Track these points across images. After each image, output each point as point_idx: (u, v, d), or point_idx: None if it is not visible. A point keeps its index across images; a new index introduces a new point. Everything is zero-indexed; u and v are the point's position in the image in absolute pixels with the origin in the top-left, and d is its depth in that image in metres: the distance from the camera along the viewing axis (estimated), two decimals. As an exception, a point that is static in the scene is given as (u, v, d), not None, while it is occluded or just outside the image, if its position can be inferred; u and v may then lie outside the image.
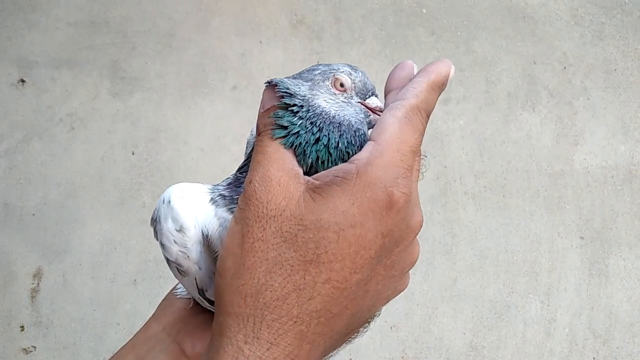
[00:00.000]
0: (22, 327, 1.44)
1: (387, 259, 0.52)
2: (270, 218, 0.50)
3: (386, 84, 0.58)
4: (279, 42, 1.58)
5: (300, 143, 0.52)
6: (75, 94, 1.51)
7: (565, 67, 1.57)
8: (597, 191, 1.52)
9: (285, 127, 0.52)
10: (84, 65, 1.52)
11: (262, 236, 0.50)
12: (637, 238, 1.50)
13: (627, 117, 1.55)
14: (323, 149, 0.53)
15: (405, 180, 0.50)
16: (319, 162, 0.53)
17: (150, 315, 0.67)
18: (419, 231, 0.54)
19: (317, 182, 0.51)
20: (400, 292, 0.57)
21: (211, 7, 1.59)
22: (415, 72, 0.57)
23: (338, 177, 0.50)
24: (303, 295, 0.50)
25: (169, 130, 1.51)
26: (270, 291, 0.49)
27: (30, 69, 1.51)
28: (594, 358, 1.46)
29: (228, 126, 1.53)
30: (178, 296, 0.64)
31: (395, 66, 0.59)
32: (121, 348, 0.65)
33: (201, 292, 0.56)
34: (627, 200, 1.51)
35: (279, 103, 0.53)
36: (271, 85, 0.54)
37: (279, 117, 0.52)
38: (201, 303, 0.58)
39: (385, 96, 0.58)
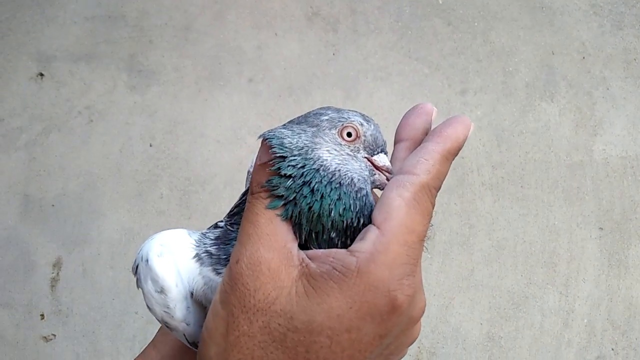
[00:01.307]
0: (42, 315, 1.61)
1: (385, 351, 0.53)
2: (257, 310, 0.49)
3: (398, 130, 0.58)
4: (294, 35, 1.73)
5: (297, 213, 0.52)
6: (93, 87, 1.69)
7: (584, 57, 1.73)
8: (617, 181, 1.67)
9: (281, 197, 0.52)
10: (102, 59, 1.70)
11: (249, 331, 0.49)
12: None
13: (647, 106, 1.71)
14: (316, 220, 0.52)
15: (410, 280, 0.49)
16: (313, 234, 0.52)
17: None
18: (422, 315, 0.55)
19: (312, 268, 0.50)
20: None
21: (227, 1, 1.75)
22: (434, 117, 0.57)
23: (336, 270, 0.49)
24: None
25: (185, 122, 1.68)
26: None
27: (49, 63, 1.69)
28: (612, 349, 1.62)
29: (244, 118, 1.68)
30: None
31: (412, 109, 0.58)
32: None
33: (193, 344, 0.57)
34: (647, 191, 1.69)
35: (272, 168, 0.52)
36: (265, 139, 0.54)
37: (273, 187, 0.52)
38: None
39: (395, 144, 0.58)
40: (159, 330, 0.71)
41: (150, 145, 1.68)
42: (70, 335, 1.62)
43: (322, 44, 1.74)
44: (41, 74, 1.70)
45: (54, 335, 1.62)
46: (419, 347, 1.62)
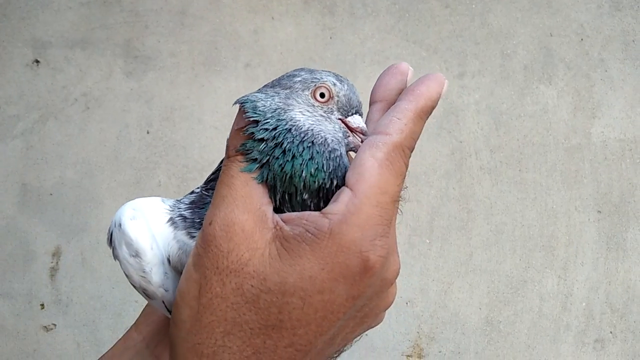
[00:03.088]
0: (42, 305, 1.60)
1: (359, 313, 0.53)
2: (230, 272, 0.49)
3: (373, 91, 0.57)
4: (291, 18, 1.70)
5: (271, 176, 0.52)
6: (90, 73, 1.66)
7: (582, 39, 1.71)
8: (615, 164, 1.65)
9: (255, 160, 0.52)
10: (97, 44, 1.67)
11: (221, 292, 0.49)
12: None
13: (646, 89, 1.68)
14: (289, 181, 0.51)
15: (383, 241, 0.49)
16: (287, 196, 0.52)
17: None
18: (396, 277, 0.55)
19: (286, 230, 0.50)
20: (374, 327, 0.58)
21: None
22: (410, 77, 0.57)
23: (309, 232, 0.49)
24: (263, 359, 0.50)
25: (182, 108, 1.65)
26: (228, 354, 0.49)
27: (45, 49, 1.66)
28: (611, 332, 1.62)
29: (241, 104, 1.68)
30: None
31: (387, 69, 0.58)
32: (100, 357, 0.70)
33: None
34: (646, 173, 1.67)
35: (246, 132, 0.52)
36: (240, 105, 0.54)
37: (247, 151, 0.52)
38: None
39: (370, 105, 0.58)
40: (141, 313, 0.72)
41: (148, 132, 1.66)
42: (70, 324, 1.61)
43: (319, 27, 1.72)
44: (37, 61, 1.67)
45: (55, 325, 1.61)
46: (417, 332, 1.62)
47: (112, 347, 0.70)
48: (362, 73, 1.68)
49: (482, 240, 1.64)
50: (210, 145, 1.66)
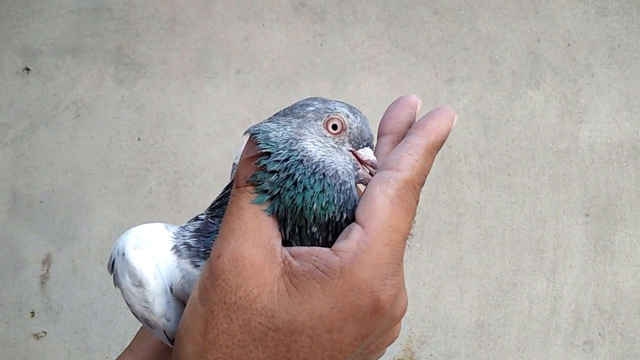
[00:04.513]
0: (33, 312, 1.60)
1: (365, 350, 0.52)
2: (238, 308, 0.48)
3: (382, 123, 0.57)
4: (281, 25, 1.71)
5: (282, 208, 0.51)
6: (80, 81, 1.66)
7: (569, 44, 1.73)
8: (602, 168, 1.67)
9: (266, 191, 0.51)
10: (88, 52, 1.67)
11: (228, 328, 0.48)
12: None
13: (632, 93, 1.70)
14: (299, 214, 0.51)
15: (393, 280, 0.49)
16: (297, 229, 0.51)
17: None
18: (404, 314, 0.54)
19: (295, 266, 0.49)
20: None
21: None
22: (419, 110, 0.56)
23: (319, 269, 0.48)
24: None
25: (173, 115, 1.66)
26: None
27: (35, 57, 1.66)
28: (599, 334, 1.63)
29: (232, 110, 1.67)
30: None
31: (396, 101, 0.57)
32: None
33: (173, 342, 0.54)
34: (632, 177, 1.66)
35: (257, 162, 0.51)
36: (251, 135, 0.53)
37: (258, 182, 0.51)
38: None
39: (378, 137, 0.57)
40: (136, 335, 0.69)
41: (139, 139, 1.66)
42: (61, 332, 1.61)
43: (310, 34, 1.73)
44: (27, 69, 1.68)
45: (45, 333, 1.61)
46: (409, 336, 1.63)
47: None
48: (352, 79, 1.70)
49: (472, 244, 1.65)
50: (201, 152, 1.66)
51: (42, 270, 1.62)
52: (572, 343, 1.62)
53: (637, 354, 1.63)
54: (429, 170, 0.52)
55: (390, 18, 1.74)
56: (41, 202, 1.64)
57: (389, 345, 0.55)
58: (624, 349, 1.63)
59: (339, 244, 0.49)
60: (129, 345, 0.68)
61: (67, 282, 1.62)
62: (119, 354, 0.68)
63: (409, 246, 0.52)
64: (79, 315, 1.62)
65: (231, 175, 0.66)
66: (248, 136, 0.53)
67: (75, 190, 1.64)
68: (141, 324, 0.65)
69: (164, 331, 0.56)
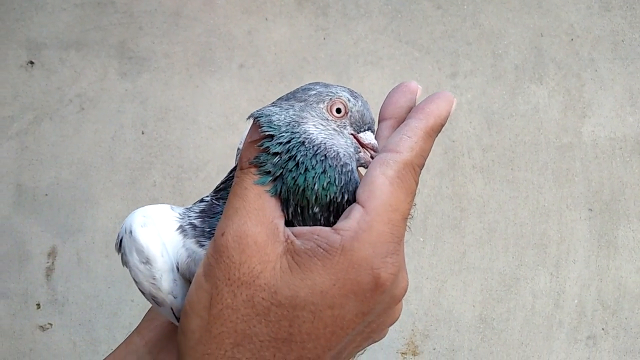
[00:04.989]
0: (38, 304, 1.62)
1: (367, 328, 0.53)
2: (242, 284, 0.49)
3: (382, 108, 0.58)
4: (284, 19, 1.72)
5: (285, 189, 0.52)
6: (84, 74, 1.67)
7: (572, 39, 1.74)
8: (606, 163, 1.68)
9: (269, 172, 0.52)
10: (92, 46, 1.68)
11: (232, 303, 0.50)
12: None
13: (635, 88, 1.70)
14: (301, 194, 0.52)
15: (394, 258, 0.50)
16: (299, 209, 0.53)
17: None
18: (405, 294, 0.55)
19: (297, 244, 0.50)
20: (378, 342, 0.58)
21: None
22: (419, 95, 0.58)
23: (321, 247, 0.49)
24: None
25: (177, 109, 1.67)
26: None
27: (39, 50, 1.67)
28: (602, 329, 1.65)
29: (236, 104, 1.68)
30: None
31: (396, 87, 0.58)
32: None
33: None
34: (636, 172, 1.67)
35: (261, 144, 0.53)
36: (254, 119, 0.55)
37: (261, 164, 0.53)
38: None
39: (379, 122, 0.59)
40: (143, 318, 0.71)
41: (143, 133, 1.68)
42: (66, 324, 1.62)
43: (313, 28, 1.74)
44: (31, 62, 1.69)
45: (51, 325, 1.63)
46: (412, 330, 1.64)
47: (113, 351, 0.69)
48: (355, 73, 1.71)
49: (475, 239, 1.66)
50: (204, 146, 1.67)
51: (48, 262, 1.64)
52: (575, 338, 1.64)
53: (640, 348, 1.65)
54: (428, 153, 0.54)
55: (393, 12, 1.74)
56: (46, 195, 1.65)
57: (390, 325, 0.56)
58: (627, 343, 1.64)
59: (340, 223, 0.50)
60: (137, 327, 0.70)
61: (73, 274, 1.64)
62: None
63: (409, 228, 0.53)
64: (84, 308, 1.63)
65: (235, 160, 0.68)
66: (252, 120, 0.55)
67: (79, 184, 1.65)
68: (149, 307, 0.69)
69: (171, 309, 0.57)
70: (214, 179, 1.65)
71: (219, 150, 1.67)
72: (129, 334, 0.70)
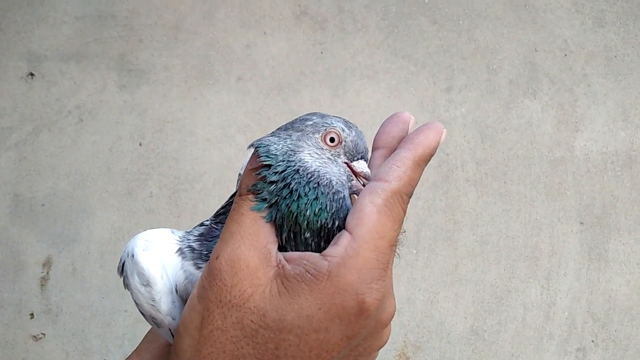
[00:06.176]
0: (32, 314, 1.65)
1: (353, 352, 0.55)
2: (232, 306, 0.52)
3: (376, 138, 0.61)
4: (282, 33, 1.77)
5: (279, 215, 0.55)
6: (84, 86, 1.72)
7: (566, 55, 1.77)
8: (597, 177, 1.72)
9: (265, 200, 0.55)
10: (92, 58, 1.73)
11: (222, 325, 0.52)
12: (637, 223, 1.71)
13: (628, 103, 1.75)
14: (294, 220, 0.55)
15: (379, 284, 0.52)
16: (292, 234, 0.55)
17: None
18: (392, 319, 0.57)
19: (287, 269, 0.52)
20: None
21: (216, 0, 1.79)
22: (411, 126, 0.60)
23: (309, 273, 0.51)
24: None
25: (175, 121, 1.71)
26: None
27: (39, 62, 1.72)
28: (592, 341, 1.68)
29: (233, 117, 1.72)
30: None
31: (390, 117, 0.60)
32: None
33: None
34: (627, 186, 1.71)
35: (258, 173, 0.56)
36: (255, 148, 0.57)
37: (258, 191, 0.56)
38: None
39: (372, 151, 0.61)
40: (143, 339, 0.73)
41: (140, 145, 1.72)
42: (60, 334, 1.66)
43: (310, 42, 1.78)
44: (31, 74, 1.73)
45: (44, 334, 1.66)
46: (404, 341, 1.68)
47: None
48: (352, 87, 1.75)
49: (468, 251, 1.71)
50: (202, 157, 1.72)
51: (42, 272, 1.68)
52: (565, 350, 1.68)
53: (630, 361, 1.69)
54: (417, 182, 0.56)
55: (389, 27, 1.79)
56: (43, 205, 1.69)
57: (378, 349, 0.58)
58: (616, 356, 1.68)
59: (329, 250, 0.53)
60: (136, 348, 0.73)
61: (67, 284, 1.67)
62: (122, 352, 0.74)
63: (398, 255, 0.56)
64: (77, 318, 1.67)
65: (236, 186, 0.68)
66: (252, 149, 0.58)
67: (76, 194, 1.70)
68: (148, 328, 0.71)
69: (170, 330, 0.60)
70: (210, 191, 1.69)
71: (216, 162, 1.71)
72: (127, 346, 0.74)
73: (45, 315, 1.67)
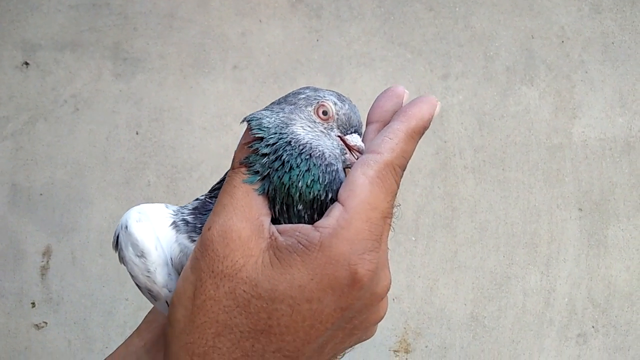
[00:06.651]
0: (33, 303, 1.66)
1: (348, 325, 0.55)
2: (225, 276, 0.52)
3: (370, 112, 0.61)
4: (278, 21, 1.76)
5: (271, 188, 0.55)
6: (79, 75, 1.72)
7: (563, 41, 1.78)
8: (596, 163, 1.73)
9: (257, 172, 0.56)
10: (87, 47, 1.73)
11: (215, 295, 0.52)
12: (635, 209, 1.72)
13: (625, 89, 1.76)
14: (286, 192, 0.55)
15: (372, 255, 0.52)
16: (285, 207, 0.56)
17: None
18: (387, 292, 0.57)
19: (279, 240, 0.53)
20: (366, 340, 0.61)
21: None
22: (405, 99, 0.60)
23: (301, 244, 0.52)
24: None
25: (171, 109, 1.72)
26: (218, 354, 0.53)
27: (34, 51, 1.72)
28: (592, 327, 1.70)
29: (229, 105, 1.72)
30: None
31: (384, 91, 0.61)
32: None
33: None
34: (625, 172, 1.73)
35: (251, 146, 0.57)
36: (247, 122, 0.58)
37: (250, 164, 0.56)
38: None
39: (367, 125, 0.61)
40: (143, 320, 0.74)
41: (137, 133, 1.72)
42: (61, 322, 1.67)
43: (306, 30, 1.78)
44: (26, 63, 1.73)
45: (45, 323, 1.67)
46: (404, 328, 1.69)
47: (113, 352, 0.72)
48: (348, 75, 1.76)
49: (467, 238, 1.72)
50: (198, 146, 1.72)
51: (42, 261, 1.68)
52: (565, 335, 1.69)
53: (630, 346, 1.70)
54: (410, 154, 0.56)
55: (385, 14, 1.79)
56: (41, 194, 1.70)
57: (375, 323, 0.59)
58: (617, 341, 1.69)
59: (321, 221, 0.53)
60: (137, 328, 0.73)
61: (67, 273, 1.68)
62: (123, 340, 0.73)
63: (393, 228, 0.56)
64: (79, 306, 1.67)
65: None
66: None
67: (74, 183, 1.70)
68: (142, 305, 0.71)
69: (166, 302, 0.60)
70: (207, 179, 1.70)
71: (213, 150, 1.71)
72: (128, 333, 0.73)
73: (46, 304, 1.68)
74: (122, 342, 0.73)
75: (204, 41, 1.76)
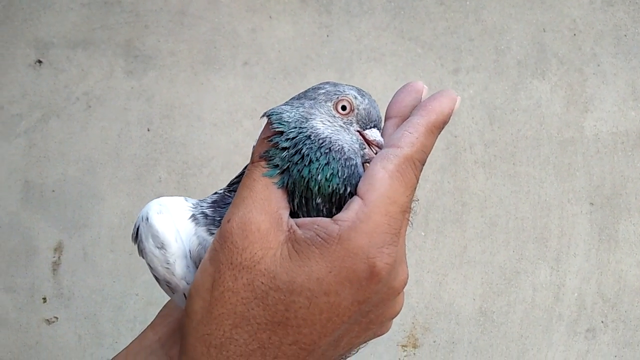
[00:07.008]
0: (45, 298, 1.69)
1: (364, 319, 0.56)
2: (243, 268, 0.53)
3: (388, 107, 0.61)
4: (288, 17, 1.77)
5: (291, 181, 0.56)
6: (91, 73, 1.74)
7: (575, 34, 1.77)
8: (607, 157, 1.72)
9: (277, 166, 0.56)
10: (99, 44, 1.75)
11: (233, 287, 0.53)
12: None
13: (638, 82, 1.74)
14: (305, 185, 0.56)
15: (390, 249, 0.52)
16: (304, 200, 0.56)
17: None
18: (404, 287, 0.58)
19: (298, 233, 0.53)
20: (381, 336, 0.61)
21: None
22: (424, 95, 0.60)
23: (319, 237, 0.52)
24: (268, 354, 0.53)
25: (182, 106, 1.73)
26: (235, 346, 0.53)
27: (47, 49, 1.74)
28: (602, 322, 1.69)
29: (240, 101, 1.73)
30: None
31: (402, 87, 0.61)
32: (115, 356, 0.72)
33: None
34: (638, 166, 1.71)
35: (271, 139, 0.57)
36: (267, 117, 0.59)
37: (270, 157, 0.57)
38: None
39: (385, 121, 0.61)
40: (157, 315, 0.74)
41: (148, 130, 1.74)
42: (72, 317, 1.70)
43: (316, 25, 1.79)
44: (39, 61, 1.76)
45: (56, 318, 1.70)
46: (413, 323, 1.70)
47: (127, 346, 0.73)
48: (358, 70, 1.76)
49: (476, 233, 1.72)
50: (209, 142, 1.74)
51: (54, 257, 1.71)
52: (574, 330, 1.69)
53: (639, 341, 1.69)
54: (430, 149, 0.56)
55: (396, 9, 1.79)
56: (53, 191, 1.72)
57: (391, 318, 0.59)
58: (626, 336, 1.69)
59: (340, 214, 0.53)
60: (151, 322, 0.74)
61: (78, 269, 1.71)
62: (133, 335, 0.74)
63: (411, 223, 0.56)
64: (89, 302, 1.70)
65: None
66: (266, 118, 0.59)
67: (86, 180, 1.73)
68: (152, 300, 0.72)
69: (184, 294, 0.61)
70: (218, 175, 1.72)
71: (224, 146, 1.73)
72: (138, 328, 0.75)
73: (57, 299, 1.70)
74: (132, 337, 0.74)
75: (214, 38, 1.77)
